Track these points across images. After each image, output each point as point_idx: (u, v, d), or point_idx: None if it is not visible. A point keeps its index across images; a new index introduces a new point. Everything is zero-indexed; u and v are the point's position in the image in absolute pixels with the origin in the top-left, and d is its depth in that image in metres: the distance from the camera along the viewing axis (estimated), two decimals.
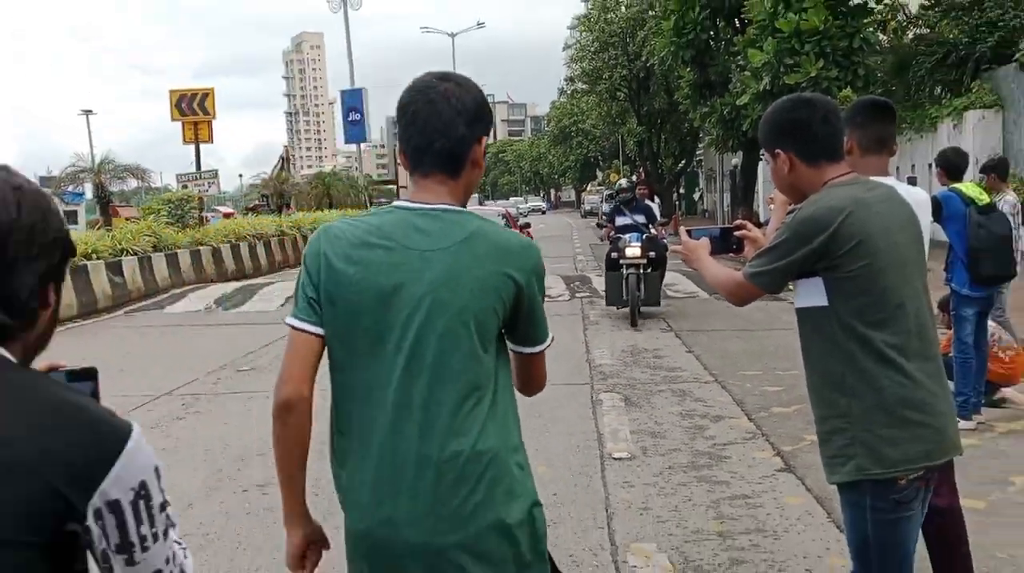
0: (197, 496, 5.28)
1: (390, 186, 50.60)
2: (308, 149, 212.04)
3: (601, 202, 45.49)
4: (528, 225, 19.59)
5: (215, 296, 15.87)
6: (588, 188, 79.46)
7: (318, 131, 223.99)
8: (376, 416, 1.88)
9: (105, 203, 23.01)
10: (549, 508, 4.77)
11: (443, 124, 1.93)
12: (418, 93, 1.98)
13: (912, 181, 15.68)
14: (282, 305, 14.62)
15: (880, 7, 21.86)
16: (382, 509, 1.87)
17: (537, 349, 2.07)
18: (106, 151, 27.92)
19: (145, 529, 1.27)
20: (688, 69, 25.56)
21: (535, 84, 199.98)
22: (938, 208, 5.68)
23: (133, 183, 24.72)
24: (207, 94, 21.72)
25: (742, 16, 22.91)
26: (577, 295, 14.71)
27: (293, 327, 1.92)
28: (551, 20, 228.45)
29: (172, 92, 21.64)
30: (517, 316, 1.97)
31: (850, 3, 20.57)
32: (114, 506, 1.23)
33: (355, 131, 35.13)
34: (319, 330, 1.91)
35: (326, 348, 1.95)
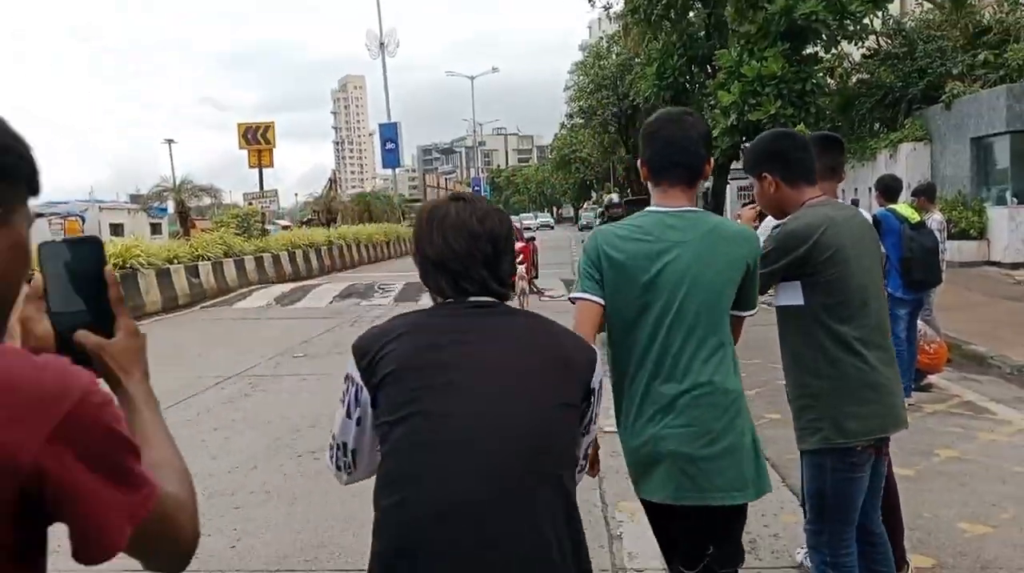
0: (261, 459, 5.31)
1: (419, 203, 50.51)
2: (352, 172, 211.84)
3: (595, 218, 45.50)
4: (533, 238, 17.41)
5: (275, 295, 15.90)
6: (584, 206, 79.33)
7: (360, 157, 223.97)
8: (646, 363, 2.10)
9: (184, 217, 23.10)
10: None
11: (690, 146, 2.15)
12: (669, 123, 2.19)
13: (855, 202, 15.65)
14: (330, 303, 14.66)
15: (828, 56, 21.76)
16: (648, 430, 2.09)
17: (750, 313, 2.28)
18: (185, 173, 28.06)
19: (598, 409, 1.66)
20: (668, 106, 25.49)
21: (540, 119, 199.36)
22: (877, 225, 5.66)
23: (207, 200, 24.75)
24: (268, 127, 21.71)
25: (713, 64, 22.85)
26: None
27: (581, 299, 2.14)
28: (553, 66, 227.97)
29: (240, 125, 21.61)
30: (743, 287, 2.16)
31: (803, 53, 20.51)
32: (595, 393, 1.62)
33: (390, 158, 35.10)
34: (600, 300, 2.12)
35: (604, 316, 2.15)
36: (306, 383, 7.69)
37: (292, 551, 3.82)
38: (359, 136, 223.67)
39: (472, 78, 63.74)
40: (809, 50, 20.58)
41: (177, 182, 24.38)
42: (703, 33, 24.44)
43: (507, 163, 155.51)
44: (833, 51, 21.46)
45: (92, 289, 1.04)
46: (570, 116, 52.49)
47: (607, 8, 27.11)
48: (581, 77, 44.71)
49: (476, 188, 71.82)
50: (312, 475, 4.92)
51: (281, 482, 4.82)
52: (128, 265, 12.99)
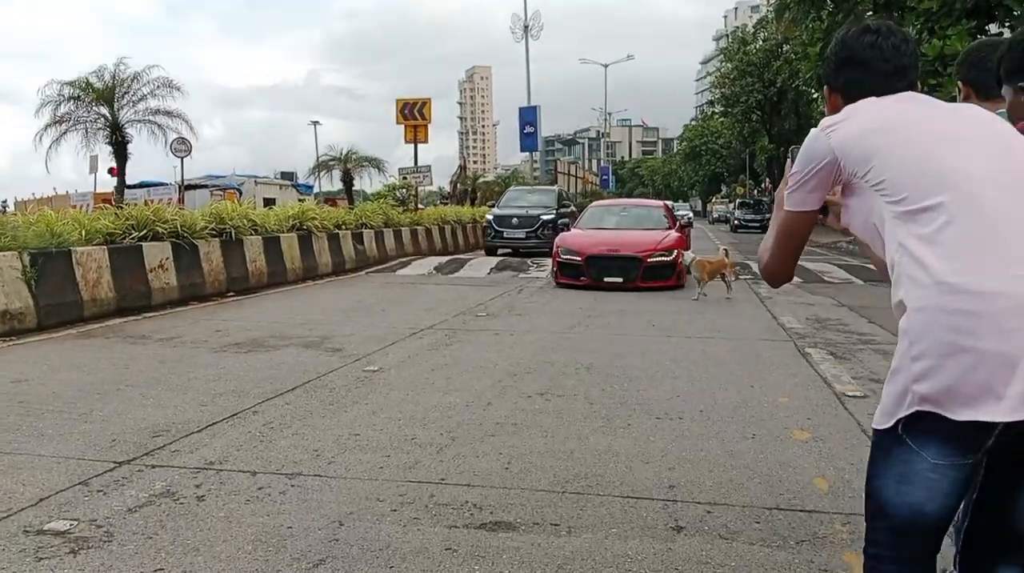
0: (491, 397, 5.26)
1: (551, 187, 50.76)
2: (475, 162, 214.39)
3: (734, 210, 44.33)
4: (690, 223, 17.15)
5: (433, 265, 16.15)
6: (713, 200, 77.51)
7: (483, 147, 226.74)
8: None
9: (349, 187, 23.80)
10: (808, 429, 4.52)
11: None
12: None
13: None
14: (488, 274, 14.77)
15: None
16: None
17: None
18: (351, 145, 28.81)
19: None
20: None
21: (666, 111, 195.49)
22: None
23: (372, 171, 25.51)
24: (425, 103, 22.12)
25: None
26: (741, 277, 14.16)
27: None
28: (681, 59, 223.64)
29: (398, 100, 22.10)
30: None
31: (988, 32, 19.06)
32: None
33: (529, 141, 35.24)
34: None
35: None
36: (500, 337, 7.69)
37: (569, 477, 3.72)
38: (483, 126, 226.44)
39: (606, 66, 63.16)
40: (995, 29, 19.14)
41: (344, 152, 25.21)
42: (871, 11, 23.16)
43: (631, 155, 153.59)
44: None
45: None
46: (711, 103, 51.14)
47: None
48: (724, 64, 43.48)
49: (604, 178, 71.38)
50: (552, 413, 4.86)
51: (524, 417, 4.75)
52: (304, 227, 13.51)
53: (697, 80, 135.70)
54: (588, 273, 12.00)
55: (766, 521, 3.23)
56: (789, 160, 2.16)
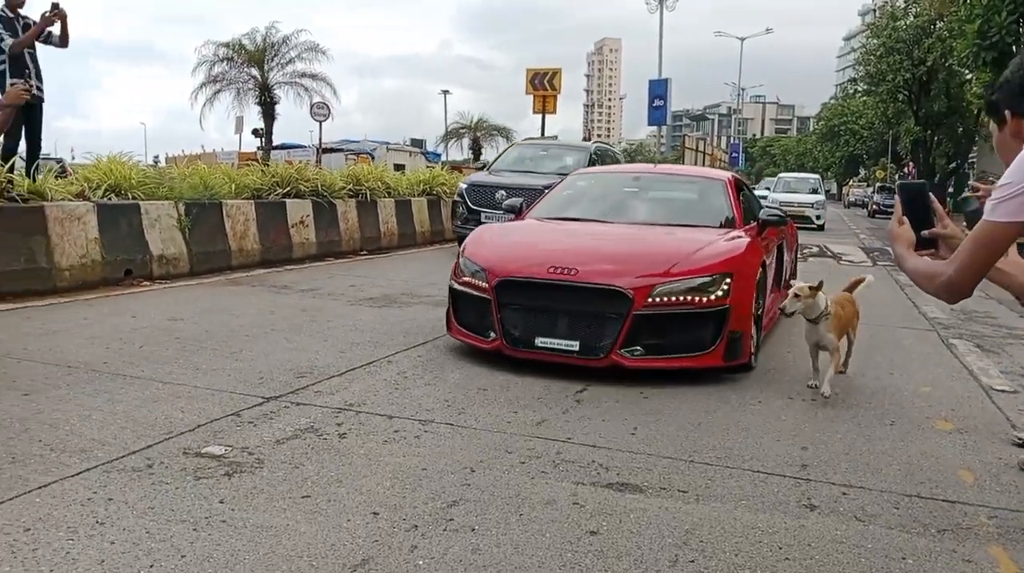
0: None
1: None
2: (599, 135, 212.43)
3: (872, 194, 42.08)
4: (779, 221, 6.36)
5: None
6: (850, 183, 73.65)
7: (608, 120, 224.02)
8: None
9: (477, 154, 24.18)
10: (952, 420, 4.28)
11: None
12: None
13: None
14: None
15: None
16: None
17: None
18: (481, 113, 29.32)
19: None
20: (988, 70, 22.60)
21: (802, 88, 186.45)
22: None
23: (500, 140, 25.78)
24: (555, 73, 22.05)
25: None
26: (879, 263, 13.50)
27: None
28: (820, 36, 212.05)
29: (528, 70, 22.16)
30: None
31: None
32: None
33: (657, 115, 34.35)
34: None
35: None
36: None
37: (696, 447, 3.69)
38: (609, 100, 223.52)
39: (742, 39, 60.85)
40: None
41: (474, 120, 25.57)
42: None
43: (763, 133, 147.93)
44: None
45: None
46: (853, 81, 48.40)
47: None
48: (870, 40, 40.96)
49: (734, 155, 69.06)
50: (679, 384, 4.81)
51: (652, 387, 4.74)
52: (434, 192, 13.83)
53: (839, 57, 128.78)
54: (498, 324, 5.06)
55: (905, 507, 3.11)
56: (897, 198, 2.04)
